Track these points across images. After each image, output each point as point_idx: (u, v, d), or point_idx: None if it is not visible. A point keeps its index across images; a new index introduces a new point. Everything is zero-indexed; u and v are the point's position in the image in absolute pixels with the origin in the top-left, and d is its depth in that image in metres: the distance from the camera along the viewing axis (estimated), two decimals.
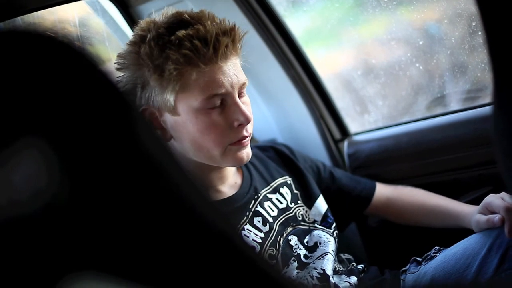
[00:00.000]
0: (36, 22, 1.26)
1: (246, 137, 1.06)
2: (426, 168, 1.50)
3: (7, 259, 0.31)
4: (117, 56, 1.09)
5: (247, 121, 1.05)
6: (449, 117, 1.51)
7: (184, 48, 0.99)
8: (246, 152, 1.08)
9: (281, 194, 1.21)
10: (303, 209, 1.22)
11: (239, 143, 1.06)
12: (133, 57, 1.04)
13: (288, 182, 1.25)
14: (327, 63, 1.88)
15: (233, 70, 1.04)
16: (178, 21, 1.03)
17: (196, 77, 1.01)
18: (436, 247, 1.21)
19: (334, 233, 1.23)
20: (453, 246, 1.16)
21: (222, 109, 1.04)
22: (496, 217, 1.09)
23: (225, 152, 1.05)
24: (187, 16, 1.04)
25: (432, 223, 1.32)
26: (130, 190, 0.34)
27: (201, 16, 1.04)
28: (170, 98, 1.02)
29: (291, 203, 1.21)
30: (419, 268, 1.20)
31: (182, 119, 1.04)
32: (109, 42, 1.69)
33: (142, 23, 1.08)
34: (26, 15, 1.20)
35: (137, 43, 1.04)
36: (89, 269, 0.32)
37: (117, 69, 1.07)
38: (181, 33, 1.00)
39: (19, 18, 1.19)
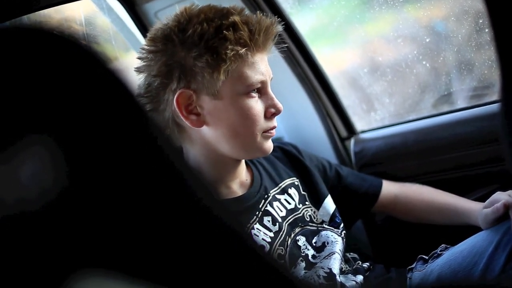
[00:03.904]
0: (42, 21, 1.27)
1: (275, 127, 1.11)
2: (433, 166, 1.50)
3: (13, 256, 0.31)
4: (148, 40, 1.07)
5: (279, 111, 1.10)
6: (456, 115, 1.50)
7: (241, 31, 1.02)
8: (271, 143, 1.12)
9: (289, 195, 1.21)
10: (311, 209, 1.22)
11: (269, 132, 1.09)
12: (171, 40, 1.04)
13: (296, 183, 1.24)
14: (333, 61, 1.87)
15: (266, 62, 1.10)
16: (220, 9, 1.06)
17: (249, 62, 1.04)
18: (442, 245, 1.21)
19: (342, 233, 1.22)
20: (460, 244, 1.16)
21: (259, 97, 1.08)
22: (500, 203, 1.10)
23: (257, 140, 1.08)
24: (226, 6, 1.07)
25: (439, 220, 1.32)
26: (137, 187, 0.34)
27: (239, 8, 1.08)
28: (218, 80, 1.02)
29: (299, 204, 1.20)
30: (426, 266, 1.19)
31: (224, 103, 1.05)
32: (115, 41, 1.70)
33: (176, 12, 1.08)
34: (33, 13, 1.20)
35: (173, 27, 1.04)
36: (97, 267, 0.32)
37: (150, 52, 1.06)
38: (236, 18, 1.03)
39: (25, 16, 1.19)
